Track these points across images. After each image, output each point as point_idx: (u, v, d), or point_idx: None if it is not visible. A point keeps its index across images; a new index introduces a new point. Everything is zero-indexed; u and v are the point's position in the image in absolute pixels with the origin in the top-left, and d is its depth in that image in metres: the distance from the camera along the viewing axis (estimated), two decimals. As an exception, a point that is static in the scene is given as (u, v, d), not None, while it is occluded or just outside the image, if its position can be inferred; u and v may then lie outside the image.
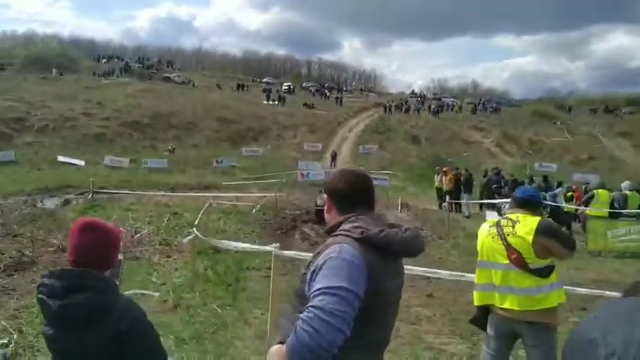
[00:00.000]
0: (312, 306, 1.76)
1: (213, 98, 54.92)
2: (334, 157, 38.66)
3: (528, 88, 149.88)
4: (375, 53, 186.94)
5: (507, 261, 3.63)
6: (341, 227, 2.05)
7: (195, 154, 38.87)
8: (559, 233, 3.69)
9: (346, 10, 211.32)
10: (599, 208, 13.57)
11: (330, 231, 2.10)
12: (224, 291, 7.18)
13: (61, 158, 33.48)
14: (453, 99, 73.11)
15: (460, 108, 63.52)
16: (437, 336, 6.26)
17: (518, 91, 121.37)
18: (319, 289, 1.79)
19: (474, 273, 3.95)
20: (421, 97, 72.05)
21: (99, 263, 2.18)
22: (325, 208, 2.21)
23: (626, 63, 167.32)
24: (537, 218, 3.69)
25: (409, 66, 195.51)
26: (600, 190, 14.60)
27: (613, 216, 13.33)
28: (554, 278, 3.63)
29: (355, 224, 2.01)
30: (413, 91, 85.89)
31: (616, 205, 13.55)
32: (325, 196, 2.21)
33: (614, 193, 14.20)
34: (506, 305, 3.63)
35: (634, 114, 65.19)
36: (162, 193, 20.52)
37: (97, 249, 2.19)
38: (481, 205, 19.45)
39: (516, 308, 3.59)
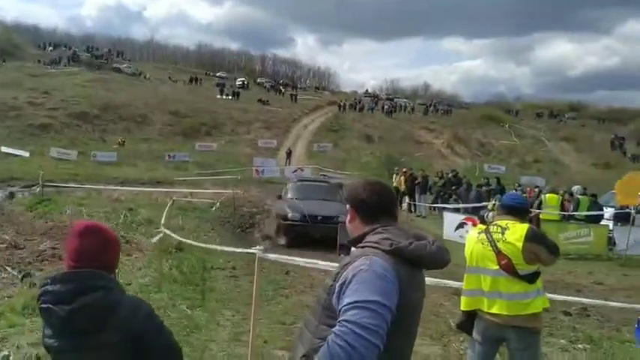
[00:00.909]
0: (346, 320, 1.71)
1: (166, 91, 53.84)
2: (289, 154, 38.60)
3: (477, 91, 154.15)
4: (329, 51, 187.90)
5: (497, 267, 3.69)
6: (367, 239, 2.01)
7: (146, 148, 38.00)
8: (546, 240, 3.78)
9: (300, 6, 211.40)
10: (549, 211, 14.14)
11: (355, 242, 2.07)
12: (192, 291, 7.02)
13: (4, 149, 32.07)
14: (405, 100, 74.24)
15: (412, 109, 64.60)
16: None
17: (467, 94, 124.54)
18: (351, 302, 1.75)
19: (435, 276, 4.00)
20: (375, 97, 72.80)
21: (104, 265, 2.09)
22: (348, 218, 2.17)
23: (568, 70, 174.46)
24: (526, 225, 3.78)
25: (362, 65, 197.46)
26: (548, 195, 15.25)
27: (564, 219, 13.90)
28: (539, 284, 3.73)
29: (383, 235, 1.98)
30: (367, 90, 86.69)
31: (570, 208, 14.12)
32: (348, 206, 2.17)
33: (577, 195, 14.80)
34: (494, 310, 3.69)
35: (576, 120, 68.21)
36: (114, 187, 19.93)
37: (102, 251, 2.10)
38: (436, 207, 19.81)
39: (505, 313, 3.65)
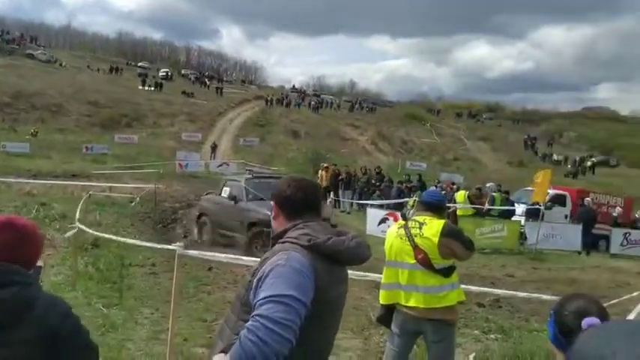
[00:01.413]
0: (259, 315, 1.71)
1: (84, 80, 51.38)
2: (214, 148, 37.98)
3: (401, 90, 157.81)
4: (255, 45, 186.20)
5: (414, 261, 3.79)
6: (288, 234, 2.01)
7: (61, 139, 36.09)
8: (461, 235, 3.94)
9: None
10: (462, 206, 14.86)
11: (277, 238, 2.06)
12: (109, 289, 6.75)
13: None
14: (331, 96, 74.98)
15: (338, 106, 65.37)
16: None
17: (392, 93, 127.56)
18: (266, 297, 1.75)
19: (356, 269, 4.07)
20: (302, 93, 73.03)
21: (21, 260, 1.97)
22: (272, 214, 2.16)
23: (486, 72, 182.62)
24: (443, 221, 3.92)
25: (289, 60, 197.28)
26: (458, 193, 16.05)
27: (479, 214, 14.57)
28: (454, 278, 3.87)
29: (303, 231, 1.99)
30: (294, 86, 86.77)
31: (487, 205, 14.81)
32: (272, 203, 2.16)
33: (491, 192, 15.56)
34: (411, 303, 3.79)
35: (493, 120, 71.59)
36: (26, 180, 18.80)
37: (17, 246, 1.97)
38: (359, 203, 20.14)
39: (421, 306, 3.75)
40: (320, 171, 22.48)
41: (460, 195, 15.14)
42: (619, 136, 64.75)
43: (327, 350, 2.07)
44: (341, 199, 20.22)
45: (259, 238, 10.33)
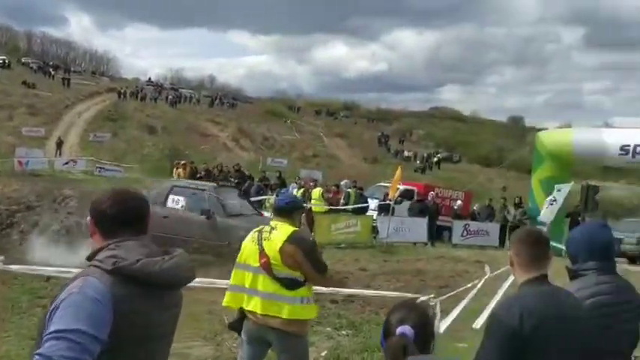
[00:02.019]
0: (39, 354, 1.52)
1: None
2: (60, 144, 35.01)
3: (261, 86, 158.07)
4: (107, 35, 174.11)
5: (258, 264, 3.75)
6: (97, 256, 1.79)
7: None
8: (313, 253, 3.83)
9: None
10: (316, 203, 15.27)
11: (89, 259, 1.83)
12: None
13: None
14: (191, 91, 72.89)
15: (198, 101, 63.78)
16: (178, 340, 6.11)
17: (252, 89, 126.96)
18: (51, 332, 1.56)
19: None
20: (158, 86, 70.09)
21: None
22: (90, 231, 1.91)
23: (343, 72, 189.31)
24: (293, 228, 3.86)
25: (145, 52, 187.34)
26: (315, 190, 16.49)
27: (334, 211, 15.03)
28: (302, 293, 3.77)
29: (111, 253, 1.76)
30: (149, 78, 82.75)
31: (343, 201, 15.30)
32: (89, 218, 1.91)
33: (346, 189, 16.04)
34: (250, 307, 3.75)
35: (349, 118, 74.54)
36: None
37: None
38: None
39: (259, 312, 3.71)
40: (176, 169, 21.68)
41: (316, 192, 15.49)
42: (461, 135, 70.84)
43: None
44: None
45: None
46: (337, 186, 16.87)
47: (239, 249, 3.95)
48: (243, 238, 8.11)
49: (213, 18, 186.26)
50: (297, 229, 3.91)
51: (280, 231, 3.79)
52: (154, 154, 38.03)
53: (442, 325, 5.03)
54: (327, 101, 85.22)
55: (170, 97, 59.23)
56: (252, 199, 16.69)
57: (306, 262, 3.72)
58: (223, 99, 68.17)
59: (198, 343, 5.91)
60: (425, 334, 1.75)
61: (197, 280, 4.74)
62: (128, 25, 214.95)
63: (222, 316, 6.61)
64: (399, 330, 1.69)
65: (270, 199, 15.58)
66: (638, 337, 2.68)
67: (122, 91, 55.32)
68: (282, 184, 20.67)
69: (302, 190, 17.43)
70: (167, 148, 38.16)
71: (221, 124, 53.47)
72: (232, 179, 20.48)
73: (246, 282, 3.81)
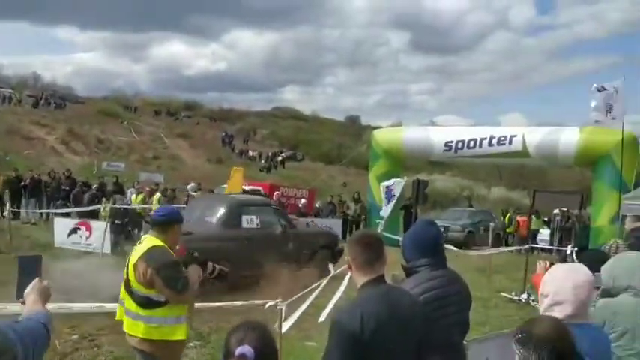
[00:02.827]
0: None
1: None
2: None
3: (93, 85, 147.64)
4: None
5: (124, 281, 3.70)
6: None
7: None
8: (163, 268, 3.53)
9: None
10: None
11: None
12: None
13: None
14: (11, 90, 65.60)
15: (20, 101, 57.63)
16: None
17: (83, 88, 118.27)
18: None
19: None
20: (-30, 85, 62.16)
21: None
22: None
23: (183, 70, 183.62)
24: (153, 244, 3.62)
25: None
26: (155, 196, 15.87)
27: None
28: (162, 313, 3.54)
29: None
30: (-44, 76, 73.14)
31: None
32: None
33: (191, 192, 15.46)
34: (124, 327, 3.68)
35: (191, 118, 72.72)
36: None
37: None
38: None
39: (125, 328, 3.62)
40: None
41: (156, 199, 14.86)
42: (303, 134, 72.73)
43: None
44: (25, 209, 17.74)
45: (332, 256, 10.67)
46: (174, 190, 16.31)
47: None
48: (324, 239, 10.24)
49: (36, 11, 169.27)
50: (155, 245, 3.61)
51: (141, 246, 3.64)
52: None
53: (288, 323, 4.99)
54: (167, 100, 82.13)
55: (-15, 97, 52.86)
56: (84, 209, 15.47)
57: (158, 280, 3.49)
58: (50, 99, 62.38)
59: None
60: (265, 353, 1.74)
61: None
62: None
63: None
64: (238, 350, 1.69)
65: (107, 207, 14.48)
66: (468, 326, 2.92)
67: None
68: (120, 189, 19.51)
69: (141, 195, 16.54)
70: (-17, 154, 33.95)
71: (48, 126, 48.83)
72: (63, 187, 18.83)
73: (121, 296, 3.75)
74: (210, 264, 3.95)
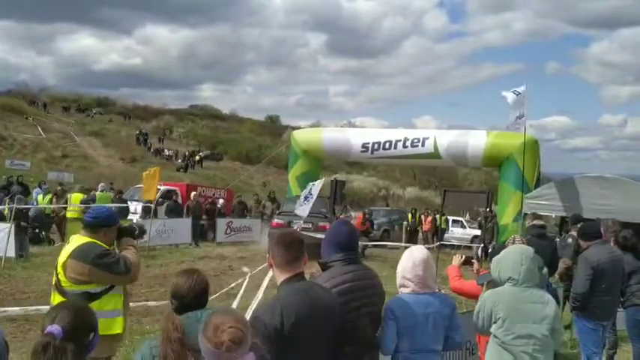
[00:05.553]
0: None
1: None
2: None
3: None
4: None
5: (53, 281, 3.59)
6: None
7: None
8: (100, 259, 3.48)
9: None
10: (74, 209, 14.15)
11: None
12: None
13: None
14: None
15: None
16: None
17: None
18: None
19: None
20: None
21: None
22: None
23: (93, 65, 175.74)
24: (83, 242, 3.53)
25: None
26: (73, 194, 15.22)
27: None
28: (100, 306, 3.44)
29: None
30: None
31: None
32: None
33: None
34: None
35: (103, 115, 69.76)
36: None
37: None
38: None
39: None
40: None
41: (76, 197, 14.26)
42: (222, 133, 71.77)
43: None
44: None
45: None
46: (89, 190, 15.69)
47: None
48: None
49: None
50: (82, 242, 3.52)
51: (69, 246, 3.52)
52: None
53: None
54: (77, 96, 78.33)
55: None
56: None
57: (100, 273, 3.45)
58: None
59: None
60: (76, 332, 1.80)
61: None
62: None
63: None
64: (47, 329, 1.76)
65: (10, 207, 13.54)
66: (380, 318, 3.08)
67: None
68: (25, 189, 18.47)
69: (49, 195, 15.69)
70: None
71: (-57, 121, 45.33)
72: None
73: (53, 300, 3.54)
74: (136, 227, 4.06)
